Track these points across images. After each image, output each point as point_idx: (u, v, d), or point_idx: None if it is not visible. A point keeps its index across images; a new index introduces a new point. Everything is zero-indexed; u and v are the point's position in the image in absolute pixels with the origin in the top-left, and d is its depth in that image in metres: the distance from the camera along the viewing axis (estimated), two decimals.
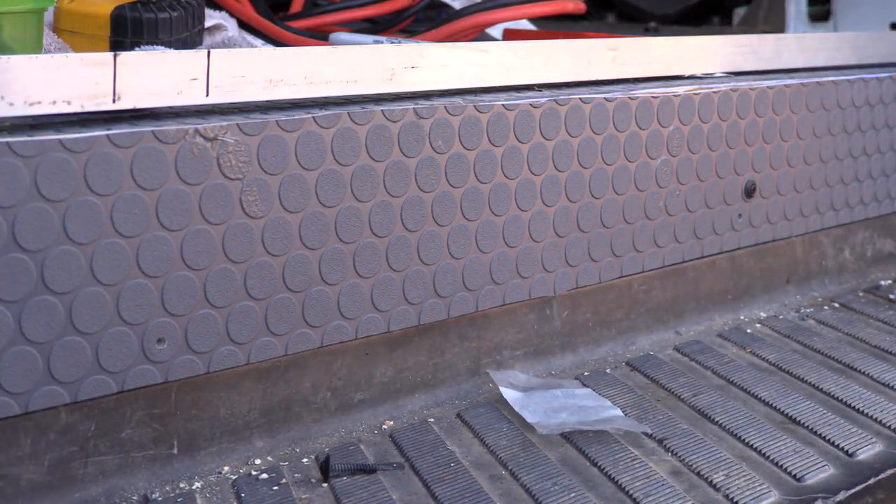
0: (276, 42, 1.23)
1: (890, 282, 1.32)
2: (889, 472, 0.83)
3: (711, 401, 0.94)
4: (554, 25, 1.72)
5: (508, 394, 0.91)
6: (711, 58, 1.11)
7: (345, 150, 0.80)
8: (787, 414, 0.92)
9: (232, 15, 1.21)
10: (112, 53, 0.69)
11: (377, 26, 1.39)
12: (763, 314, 1.19)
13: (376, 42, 1.07)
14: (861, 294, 1.26)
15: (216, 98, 0.74)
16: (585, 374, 1.00)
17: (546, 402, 0.91)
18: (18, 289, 0.66)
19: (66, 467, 0.73)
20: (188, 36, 0.99)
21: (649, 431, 0.87)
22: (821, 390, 0.98)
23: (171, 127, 0.71)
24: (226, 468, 0.80)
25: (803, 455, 0.85)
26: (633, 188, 1.00)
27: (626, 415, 0.90)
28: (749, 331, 1.13)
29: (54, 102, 0.67)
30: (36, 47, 0.83)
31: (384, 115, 0.81)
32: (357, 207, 0.81)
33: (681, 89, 1.03)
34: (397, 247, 0.84)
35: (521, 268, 0.93)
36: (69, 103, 0.68)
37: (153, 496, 0.75)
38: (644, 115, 0.99)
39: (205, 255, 0.74)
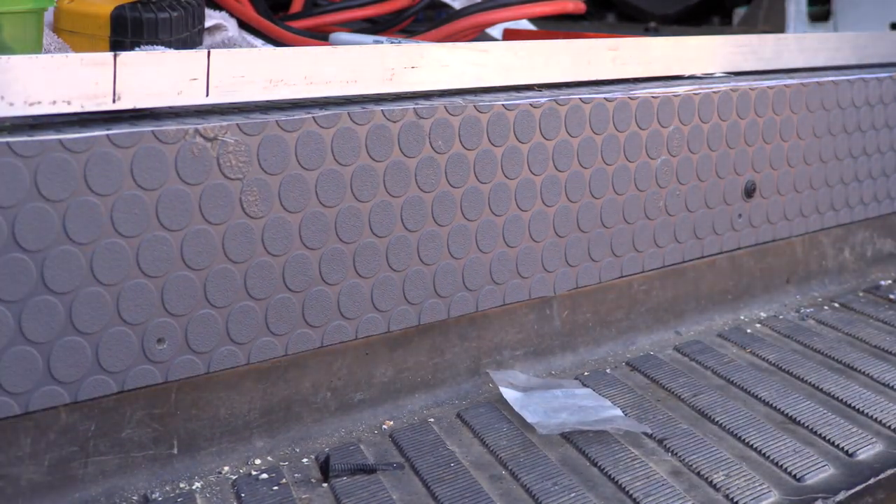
0: (276, 42, 1.23)
1: (890, 282, 1.32)
2: (889, 472, 0.83)
3: (711, 401, 0.94)
4: (554, 25, 1.72)
5: (508, 394, 0.91)
6: (711, 58, 1.11)
7: (345, 150, 0.80)
8: (787, 414, 0.92)
9: (232, 15, 1.21)
10: (112, 53, 0.69)
11: (377, 26, 1.39)
12: (763, 314, 1.19)
13: (376, 42, 1.07)
14: (861, 294, 1.26)
15: (216, 98, 0.74)
16: (585, 374, 1.00)
17: (546, 402, 0.91)
18: (18, 289, 0.66)
19: (66, 467, 0.73)
20: (188, 36, 0.99)
21: (649, 431, 0.87)
22: (821, 390, 0.98)
23: (171, 127, 0.71)
24: (226, 468, 0.80)
25: (803, 455, 0.85)
26: (633, 188, 1.00)
27: (626, 415, 0.90)
28: (749, 331, 1.13)
29: (54, 102, 0.67)
30: (36, 47, 0.83)
31: (384, 115, 0.81)
32: (357, 207, 0.81)
33: (681, 89, 1.03)
34: (397, 247, 0.84)
35: (521, 268, 0.93)
36: (69, 103, 0.68)
37: (153, 496, 0.75)
38: (644, 115, 0.99)
39: (205, 255, 0.74)
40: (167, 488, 0.77)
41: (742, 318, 1.17)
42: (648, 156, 1.01)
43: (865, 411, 0.93)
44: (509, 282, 0.92)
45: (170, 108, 0.75)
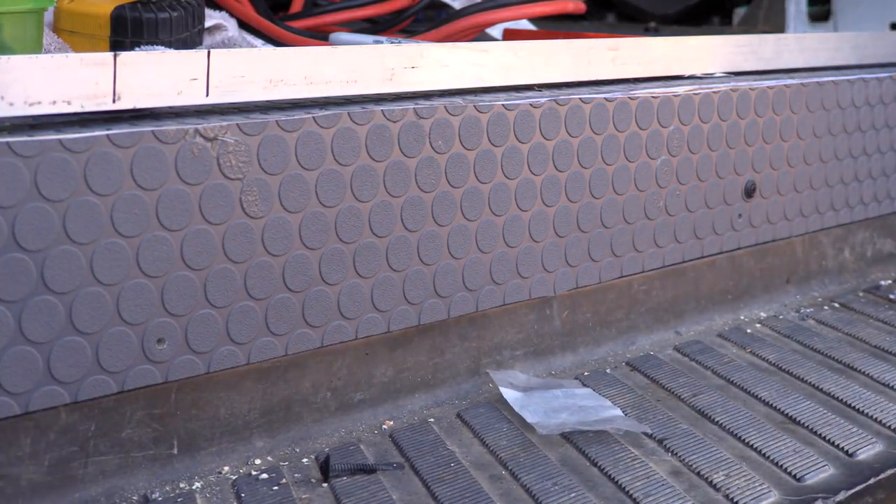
0: (276, 42, 1.23)
1: (890, 282, 1.32)
2: (889, 472, 0.83)
3: (711, 401, 0.94)
4: (554, 25, 1.72)
5: (508, 394, 0.91)
6: (711, 58, 1.11)
7: (345, 150, 0.80)
8: (787, 414, 0.92)
9: (232, 15, 1.21)
10: (112, 53, 0.69)
11: (377, 26, 1.39)
12: (763, 314, 1.19)
13: (376, 42, 1.07)
14: (861, 294, 1.26)
15: (216, 98, 0.74)
16: (585, 374, 1.00)
17: (546, 402, 0.91)
18: (18, 289, 0.66)
19: (66, 467, 0.73)
20: (188, 36, 0.99)
21: (649, 431, 0.87)
22: (821, 390, 0.98)
23: (171, 127, 0.71)
24: (226, 468, 0.80)
25: (803, 455, 0.85)
26: (633, 188, 1.00)
27: (626, 415, 0.90)
28: (749, 331, 1.13)
29: (54, 102, 0.67)
30: (36, 47, 0.83)
31: (384, 115, 0.81)
32: (357, 207, 0.81)
33: (681, 89, 1.03)
34: (397, 247, 0.84)
35: (521, 268, 0.93)
36: (69, 103, 0.68)
37: (153, 496, 0.75)
38: (644, 115, 0.99)
39: (205, 255, 0.74)
40: (167, 488, 0.77)
41: (742, 318, 1.17)
42: (648, 156, 1.01)
43: (865, 411, 0.93)
44: (509, 282, 0.92)
45: (170, 108, 0.75)
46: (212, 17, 1.13)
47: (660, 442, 0.86)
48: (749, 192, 1.11)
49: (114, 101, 0.69)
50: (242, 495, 0.76)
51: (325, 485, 0.78)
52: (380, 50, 0.83)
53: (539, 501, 0.76)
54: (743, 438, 0.87)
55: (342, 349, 0.86)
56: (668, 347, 1.08)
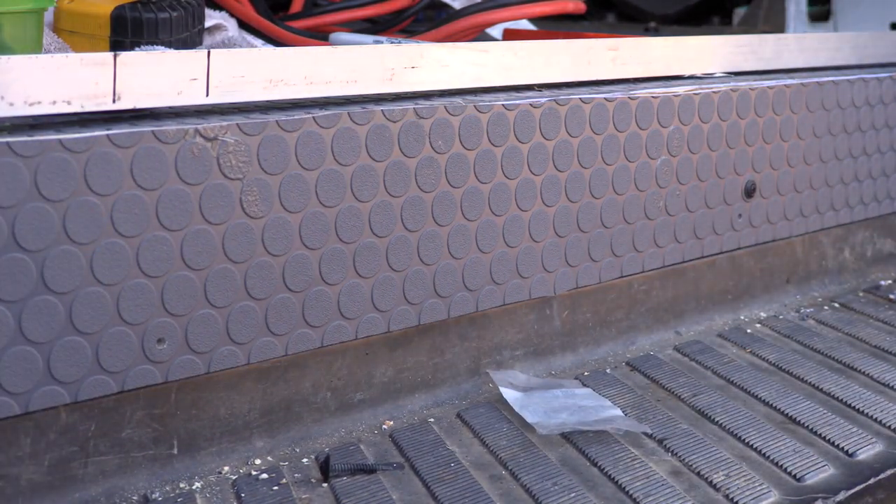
0: (276, 42, 1.23)
1: (890, 282, 1.32)
2: (889, 472, 0.83)
3: (711, 401, 0.94)
4: (554, 25, 1.72)
5: (508, 394, 0.91)
6: (711, 58, 1.11)
7: (345, 150, 0.80)
8: (787, 414, 0.92)
9: (232, 15, 1.21)
10: (112, 53, 0.69)
11: (377, 26, 1.39)
12: (763, 314, 1.19)
13: (376, 42, 1.07)
14: (861, 294, 1.26)
15: (216, 98, 0.74)
16: (585, 374, 1.00)
17: (546, 402, 0.91)
18: (18, 289, 0.66)
19: (66, 467, 0.73)
20: (188, 36, 0.99)
21: (649, 431, 0.87)
22: (821, 390, 0.98)
23: (171, 127, 0.71)
24: (226, 468, 0.80)
25: (803, 455, 0.85)
26: (633, 188, 1.00)
27: (626, 415, 0.90)
28: (749, 331, 1.13)
29: (54, 102, 0.67)
30: (36, 47, 0.83)
31: (384, 115, 0.81)
32: (357, 207, 0.81)
33: (681, 89, 1.03)
34: (397, 247, 0.84)
35: (521, 268, 0.93)
36: (69, 103, 0.68)
37: (153, 496, 0.75)
38: (644, 115, 0.99)
39: (205, 255, 0.74)
40: (167, 488, 0.77)
41: (742, 318, 1.17)
42: (648, 156, 1.01)
43: (865, 411, 0.93)
44: (509, 282, 0.92)
45: (170, 108, 0.75)
46: (212, 17, 1.13)
47: (660, 442, 0.86)
48: (749, 192, 1.11)
49: (114, 101, 0.69)
50: (242, 495, 0.76)
51: (325, 485, 0.78)
52: (380, 50, 0.83)
53: (539, 501, 0.76)
54: (743, 438, 0.87)
55: (342, 349, 0.86)
56: (668, 347, 1.08)
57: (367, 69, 0.82)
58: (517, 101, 0.90)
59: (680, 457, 0.84)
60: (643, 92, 0.99)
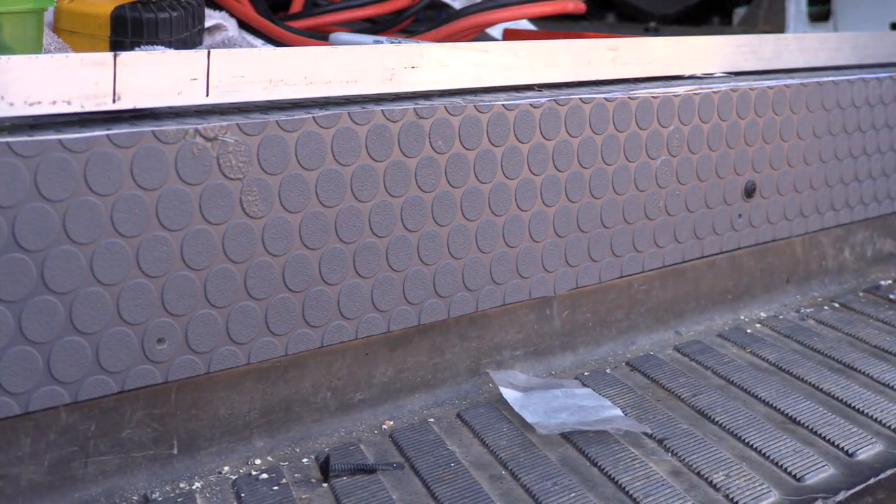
0: (276, 42, 1.23)
1: (890, 282, 1.32)
2: (889, 472, 0.83)
3: (711, 401, 0.94)
4: (554, 25, 1.72)
5: (508, 394, 0.91)
6: (711, 58, 1.11)
7: (345, 150, 0.80)
8: (787, 414, 0.92)
9: (232, 15, 1.21)
10: (112, 53, 0.69)
11: (377, 26, 1.39)
12: (763, 314, 1.19)
13: (376, 42, 1.07)
14: (861, 294, 1.26)
15: (216, 98, 0.74)
16: (585, 374, 1.00)
17: (546, 402, 0.91)
18: (18, 289, 0.66)
19: (66, 467, 0.73)
20: (188, 36, 0.99)
21: (649, 431, 0.87)
22: (821, 390, 0.98)
23: (171, 127, 0.71)
24: (226, 468, 0.80)
25: (803, 455, 0.85)
26: (633, 188, 1.00)
27: (626, 415, 0.90)
28: (749, 331, 1.13)
29: (54, 102, 0.67)
30: (36, 47, 0.83)
31: (384, 115, 0.81)
32: (357, 207, 0.81)
33: (681, 89, 1.03)
34: (397, 247, 0.84)
35: (521, 268, 0.93)
36: (69, 103, 0.68)
37: (153, 496, 0.75)
38: (644, 115, 0.99)
39: (205, 255, 0.74)
40: (167, 488, 0.77)
41: (742, 318, 1.17)
42: (648, 156, 1.01)
43: (865, 411, 0.93)
44: (509, 282, 0.92)
45: (170, 108, 0.75)
46: (212, 17, 1.13)
47: (660, 442, 0.86)
48: (749, 192, 1.11)
49: (114, 101, 0.69)
50: (242, 495, 0.76)
51: (325, 485, 0.78)
52: (380, 50, 0.83)
53: (539, 501, 0.76)
54: (743, 438, 0.87)
55: (342, 349, 0.86)
56: (668, 347, 1.08)
57: (367, 69, 0.82)
58: (517, 101, 0.90)
59: (680, 457, 0.84)
60: (643, 92, 0.99)
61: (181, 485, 0.77)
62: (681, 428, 0.89)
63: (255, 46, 1.16)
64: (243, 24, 1.24)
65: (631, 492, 0.78)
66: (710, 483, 0.80)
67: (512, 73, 0.93)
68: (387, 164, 0.82)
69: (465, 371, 0.95)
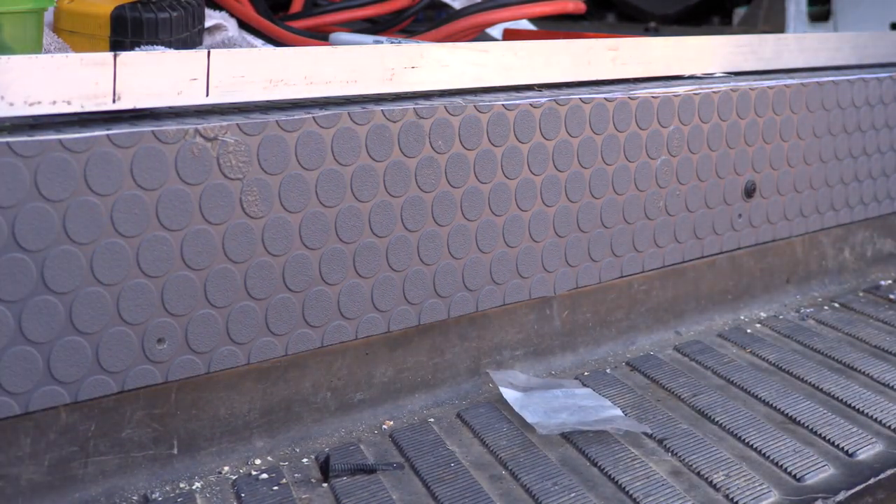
0: (276, 42, 1.23)
1: (890, 282, 1.32)
2: (889, 472, 0.83)
3: (711, 401, 0.94)
4: (554, 25, 1.72)
5: (508, 394, 0.91)
6: (711, 58, 1.11)
7: (345, 150, 0.80)
8: (787, 414, 0.92)
9: (232, 15, 1.21)
10: (112, 53, 0.69)
11: (377, 26, 1.39)
12: (763, 314, 1.19)
13: (376, 42, 1.07)
14: (861, 294, 1.26)
15: (216, 98, 0.74)
16: (585, 374, 1.00)
17: (546, 402, 0.91)
18: (18, 289, 0.66)
19: (66, 467, 0.73)
20: (188, 36, 0.99)
21: (649, 431, 0.87)
22: (821, 390, 0.98)
23: (171, 127, 0.71)
24: (226, 468, 0.80)
25: (803, 455, 0.85)
26: (633, 188, 1.00)
27: (626, 415, 0.90)
28: (749, 331, 1.13)
29: (54, 102, 0.67)
30: (36, 47, 0.83)
31: (384, 115, 0.81)
32: (357, 207, 0.81)
33: (681, 89, 1.03)
34: (397, 247, 0.84)
35: (521, 268, 0.93)
36: (69, 103, 0.68)
37: (153, 496, 0.75)
38: (644, 115, 0.99)
39: (205, 255, 0.74)
40: (167, 488, 0.77)
41: (742, 318, 1.17)
42: (648, 156, 1.01)
43: (865, 411, 0.93)
44: (509, 282, 0.92)
45: (170, 108, 0.75)
46: (212, 17, 1.13)
47: (660, 442, 0.86)
48: (749, 192, 1.11)
49: (114, 101, 0.69)
50: (242, 495, 0.76)
51: (325, 485, 0.78)
52: (380, 50, 0.83)
53: (539, 501, 0.76)
54: (743, 438, 0.87)
55: (342, 349, 0.86)
56: (668, 347, 1.08)
57: (367, 69, 0.82)
58: (517, 101, 0.90)
59: (680, 457, 0.84)
60: (643, 92, 0.99)
61: (181, 485, 0.77)
62: (681, 428, 0.89)
63: (255, 46, 1.16)
64: (243, 24, 1.24)
65: (631, 492, 0.78)
66: (710, 483, 0.80)
67: (512, 73, 0.93)
68: (387, 164, 0.82)
69: (465, 371, 0.95)
